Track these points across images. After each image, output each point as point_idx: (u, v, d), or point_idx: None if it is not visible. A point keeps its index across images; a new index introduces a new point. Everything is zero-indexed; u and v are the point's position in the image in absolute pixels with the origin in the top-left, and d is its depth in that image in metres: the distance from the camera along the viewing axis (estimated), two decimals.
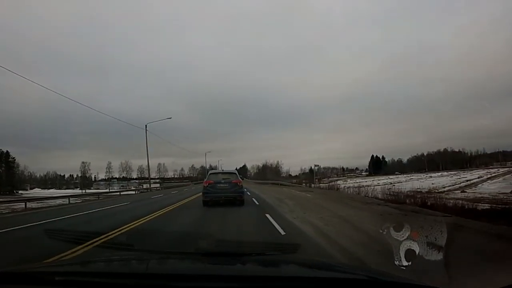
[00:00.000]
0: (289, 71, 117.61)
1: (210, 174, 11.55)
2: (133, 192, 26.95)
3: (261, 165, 74.51)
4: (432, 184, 33.91)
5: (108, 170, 74.68)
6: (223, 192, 10.32)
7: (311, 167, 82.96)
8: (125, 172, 77.31)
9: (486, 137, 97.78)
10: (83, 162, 72.69)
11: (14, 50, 75.03)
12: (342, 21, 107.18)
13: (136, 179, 74.01)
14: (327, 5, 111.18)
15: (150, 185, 33.22)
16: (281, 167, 71.53)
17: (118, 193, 22.73)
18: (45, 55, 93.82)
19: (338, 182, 40.28)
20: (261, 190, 21.93)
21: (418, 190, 22.31)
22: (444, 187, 30.09)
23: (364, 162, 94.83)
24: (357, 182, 42.17)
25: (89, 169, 74.21)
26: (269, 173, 55.80)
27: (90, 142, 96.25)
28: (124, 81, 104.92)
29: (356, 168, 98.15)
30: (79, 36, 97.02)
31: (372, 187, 23.87)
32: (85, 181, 72.53)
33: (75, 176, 78.92)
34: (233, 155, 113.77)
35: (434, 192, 23.25)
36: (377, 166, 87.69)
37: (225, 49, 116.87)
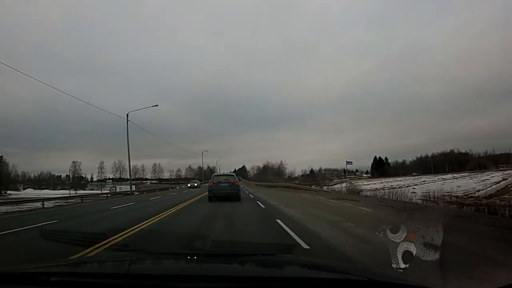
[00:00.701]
0: (287, 71, 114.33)
1: (214, 176, 14.50)
2: (105, 196, 22.13)
3: (261, 166, 69.86)
4: (459, 187, 29.57)
5: (100, 170, 71.81)
6: (224, 189, 13.12)
7: (311, 168, 79.92)
8: (118, 172, 73.63)
9: (495, 138, 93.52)
10: (73, 162, 68.74)
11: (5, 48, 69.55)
12: (339, 20, 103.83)
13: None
14: (323, 5, 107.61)
15: (131, 187, 28.29)
16: (285, 167, 66.13)
17: (80, 200, 17.71)
18: (38, 54, 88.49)
19: (344, 184, 35.82)
20: (276, 198, 15.16)
21: (450, 194, 18.41)
22: (478, 191, 25.81)
23: (362, 163, 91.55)
24: (366, 185, 38.09)
25: (80, 169, 70.52)
26: (270, 174, 51.29)
27: (85, 142, 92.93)
28: (118, 81, 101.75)
29: (356, 170, 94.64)
30: (72, 35, 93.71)
31: (404, 191, 19.75)
32: (80, 181, 68.85)
33: (71, 176, 74.78)
34: (231, 155, 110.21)
35: (482, 197, 19.10)
36: (380, 167, 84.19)
37: (222, 49, 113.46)
